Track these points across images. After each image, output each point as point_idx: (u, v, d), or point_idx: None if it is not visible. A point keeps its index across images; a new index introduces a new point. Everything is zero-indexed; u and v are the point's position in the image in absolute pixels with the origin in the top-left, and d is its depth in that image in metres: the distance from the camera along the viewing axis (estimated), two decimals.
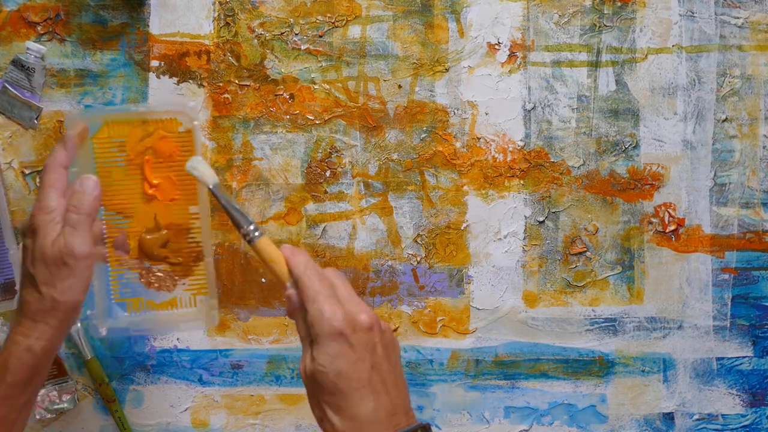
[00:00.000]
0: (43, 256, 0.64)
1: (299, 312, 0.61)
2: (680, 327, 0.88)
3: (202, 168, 0.68)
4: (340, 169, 0.87)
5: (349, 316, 0.59)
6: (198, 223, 0.72)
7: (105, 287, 0.72)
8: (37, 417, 0.83)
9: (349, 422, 0.58)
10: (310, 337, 0.59)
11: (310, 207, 0.87)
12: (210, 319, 0.72)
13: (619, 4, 0.88)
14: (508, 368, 0.87)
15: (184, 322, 0.74)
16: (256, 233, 0.64)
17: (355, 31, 0.87)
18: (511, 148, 0.87)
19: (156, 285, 0.73)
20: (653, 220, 0.88)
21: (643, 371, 0.88)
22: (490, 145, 0.87)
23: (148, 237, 0.72)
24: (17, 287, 0.84)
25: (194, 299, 0.74)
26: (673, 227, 0.88)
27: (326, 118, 0.87)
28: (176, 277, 0.73)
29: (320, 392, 0.59)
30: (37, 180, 0.86)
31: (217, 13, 0.87)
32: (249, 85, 0.87)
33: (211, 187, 0.68)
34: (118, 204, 0.71)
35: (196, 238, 0.72)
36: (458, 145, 0.87)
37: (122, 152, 0.71)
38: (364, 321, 0.59)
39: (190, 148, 0.71)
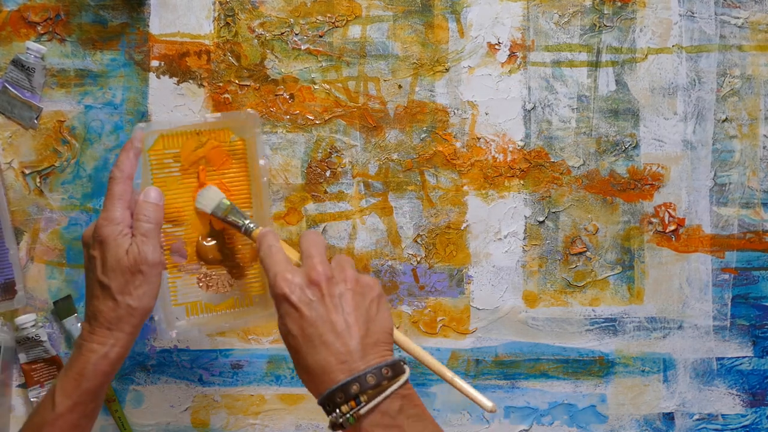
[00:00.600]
0: (119, 265, 0.67)
1: None
2: (680, 327, 0.88)
3: (203, 200, 0.74)
4: (340, 169, 0.87)
5: (293, 278, 0.61)
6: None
7: (165, 293, 0.74)
8: None
9: (304, 375, 0.60)
10: None
11: (310, 207, 0.87)
12: (270, 315, 0.73)
13: (619, 4, 0.88)
14: (508, 368, 0.87)
15: (249, 318, 0.77)
16: (252, 226, 0.71)
17: (355, 31, 0.87)
18: (511, 148, 0.87)
19: (214, 288, 0.76)
20: (653, 220, 0.88)
21: (643, 371, 0.88)
22: (490, 145, 0.87)
23: (204, 243, 0.75)
24: (17, 287, 0.84)
25: (250, 298, 0.77)
26: (673, 227, 0.88)
27: (326, 118, 0.87)
28: (232, 279, 0.76)
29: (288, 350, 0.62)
30: (38, 180, 0.86)
31: (217, 13, 0.87)
32: (249, 85, 0.87)
33: (209, 212, 0.73)
34: (174, 213, 0.74)
35: (249, 240, 0.73)
36: (458, 145, 0.87)
37: (177, 162, 0.74)
38: (307, 278, 0.61)
39: (243, 156, 0.76)
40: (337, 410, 0.57)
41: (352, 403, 0.57)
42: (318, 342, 0.59)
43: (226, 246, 0.76)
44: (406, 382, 0.59)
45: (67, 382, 0.67)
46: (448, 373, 0.63)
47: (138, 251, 0.67)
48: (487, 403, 0.61)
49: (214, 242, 0.75)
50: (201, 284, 0.76)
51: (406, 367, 0.60)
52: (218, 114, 0.79)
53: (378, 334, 0.61)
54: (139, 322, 0.68)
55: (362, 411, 0.57)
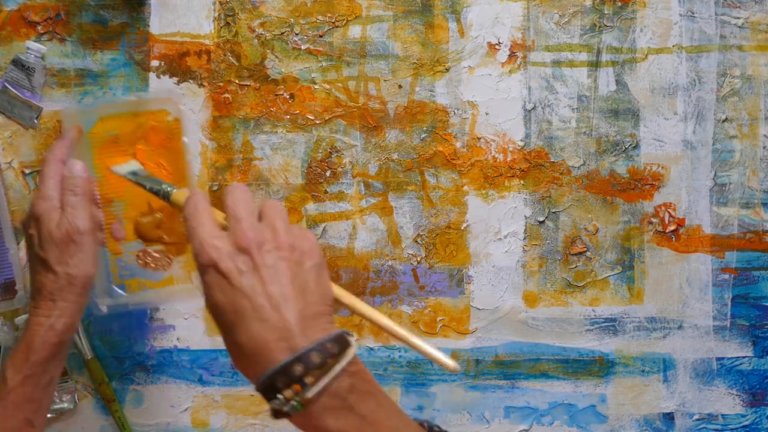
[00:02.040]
0: (51, 238, 0.70)
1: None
2: (680, 327, 0.88)
3: (119, 168, 0.75)
4: (340, 169, 0.87)
5: (222, 244, 0.54)
6: None
7: (105, 270, 0.77)
8: None
9: (237, 355, 0.53)
10: None
11: (311, 207, 0.87)
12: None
13: (619, 4, 0.88)
14: (508, 368, 0.87)
15: (180, 294, 0.79)
16: (169, 189, 0.68)
17: (355, 31, 0.87)
18: (511, 148, 0.87)
19: (153, 265, 0.77)
20: (653, 220, 0.88)
21: (643, 371, 0.88)
22: (491, 145, 0.87)
23: (142, 220, 0.77)
24: (17, 287, 0.84)
25: (189, 275, 0.79)
26: (673, 227, 0.88)
27: (326, 118, 0.87)
28: (171, 256, 0.78)
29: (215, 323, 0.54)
30: (38, 180, 0.86)
31: (217, 13, 0.87)
32: (249, 85, 0.87)
33: (123, 175, 0.74)
34: (112, 192, 0.76)
35: None
36: (458, 145, 0.87)
37: (116, 143, 0.77)
38: (236, 245, 0.54)
39: (178, 135, 0.78)
40: (280, 396, 0.50)
41: (296, 386, 0.50)
42: (252, 316, 0.51)
43: (164, 224, 0.77)
44: (354, 357, 0.52)
45: (16, 357, 0.69)
46: (402, 332, 0.55)
47: (68, 222, 0.70)
48: (449, 362, 0.53)
49: (152, 220, 0.77)
50: (140, 261, 0.77)
51: (351, 339, 0.53)
52: (142, 93, 0.82)
53: (318, 305, 0.53)
54: (82, 290, 0.71)
55: (309, 395, 0.50)
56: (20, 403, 0.68)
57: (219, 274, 0.53)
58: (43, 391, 0.70)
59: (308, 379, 0.50)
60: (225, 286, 0.52)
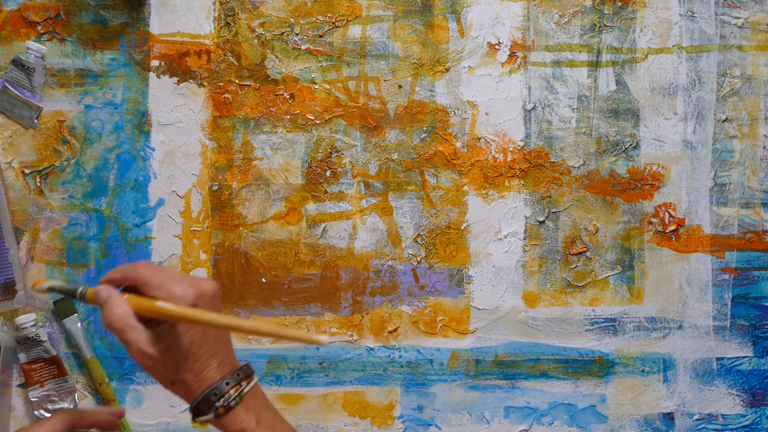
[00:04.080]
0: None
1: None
2: (680, 327, 0.88)
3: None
4: (340, 169, 0.87)
5: (196, 289, 0.63)
6: None
7: None
8: (37, 416, 0.83)
9: (199, 382, 0.64)
10: (144, 310, 0.63)
11: (311, 207, 0.87)
12: None
13: (619, 4, 0.88)
14: (508, 368, 0.87)
15: None
16: (82, 289, 0.66)
17: (355, 31, 0.87)
18: (511, 148, 0.87)
19: None
20: (653, 220, 0.88)
21: (643, 371, 0.88)
22: (491, 145, 0.87)
23: None
24: (17, 287, 0.84)
25: None
26: (673, 227, 0.88)
27: (326, 118, 0.87)
28: None
29: (174, 360, 0.63)
30: (38, 180, 0.86)
31: (217, 13, 0.87)
32: (249, 85, 0.87)
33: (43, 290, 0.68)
34: None
35: None
36: (458, 145, 0.87)
37: None
38: (208, 289, 0.63)
39: None
40: (220, 400, 0.63)
41: (232, 391, 0.63)
42: (219, 347, 0.64)
43: None
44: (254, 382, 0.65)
45: None
46: (266, 328, 0.61)
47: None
48: (321, 338, 0.58)
49: None
50: None
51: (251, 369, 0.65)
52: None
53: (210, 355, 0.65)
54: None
55: (246, 390, 0.63)
56: None
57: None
58: None
59: (232, 392, 0.63)
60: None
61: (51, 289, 0.67)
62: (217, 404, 0.63)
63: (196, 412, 0.63)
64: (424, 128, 0.87)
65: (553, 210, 0.88)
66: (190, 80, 0.86)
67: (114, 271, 0.64)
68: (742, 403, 0.88)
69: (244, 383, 0.63)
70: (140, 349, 0.63)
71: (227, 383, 0.63)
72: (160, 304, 0.62)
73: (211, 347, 0.64)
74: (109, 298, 0.63)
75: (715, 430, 0.88)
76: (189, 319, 0.62)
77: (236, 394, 0.63)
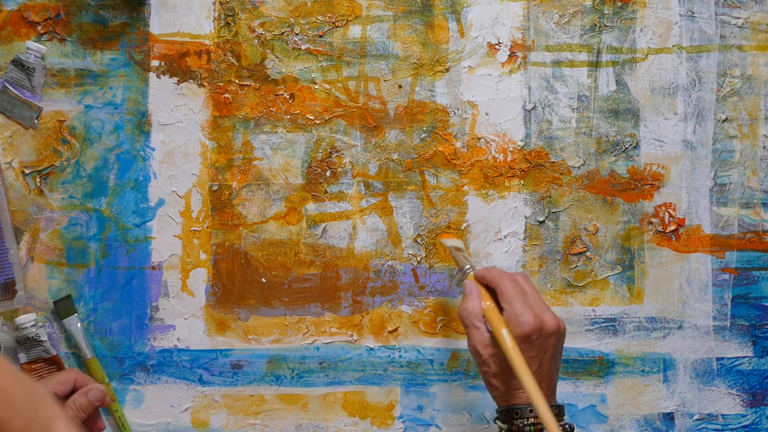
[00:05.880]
0: None
1: (477, 300, 0.75)
2: (680, 327, 0.88)
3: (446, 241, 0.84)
4: (340, 169, 0.87)
5: (538, 322, 0.71)
6: None
7: None
8: None
9: (510, 395, 0.72)
10: (491, 323, 0.73)
11: (311, 207, 0.87)
12: None
13: (619, 4, 0.88)
14: None
15: None
16: (468, 270, 0.79)
17: (355, 31, 0.87)
18: (511, 148, 0.87)
19: None
20: (653, 220, 0.88)
21: (643, 371, 0.88)
22: (491, 145, 0.87)
23: None
24: (17, 287, 0.84)
25: None
26: (673, 227, 0.88)
27: (326, 118, 0.87)
28: None
29: (496, 368, 0.73)
30: (38, 180, 0.86)
31: (217, 13, 0.87)
32: (249, 85, 0.87)
33: (449, 246, 0.83)
34: None
35: None
36: (458, 145, 0.87)
37: None
38: (550, 327, 0.72)
39: None
40: (518, 420, 0.71)
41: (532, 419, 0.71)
42: (540, 378, 0.71)
43: None
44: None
45: None
46: (542, 408, 0.69)
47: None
48: None
49: None
50: None
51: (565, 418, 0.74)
52: None
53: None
54: None
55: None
56: None
57: (529, 344, 0.71)
58: None
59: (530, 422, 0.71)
60: (530, 352, 0.71)
61: (454, 248, 0.81)
62: (515, 421, 0.70)
63: (500, 417, 0.72)
64: (424, 128, 0.87)
65: (553, 210, 0.88)
66: (190, 80, 0.86)
67: (489, 270, 0.76)
68: (742, 403, 0.88)
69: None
70: (474, 346, 0.73)
71: (531, 410, 0.70)
72: (503, 331, 0.71)
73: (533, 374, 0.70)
74: (471, 294, 0.75)
75: (715, 430, 0.88)
76: (506, 354, 0.70)
77: (534, 422, 0.70)
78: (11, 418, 0.48)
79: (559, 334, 0.73)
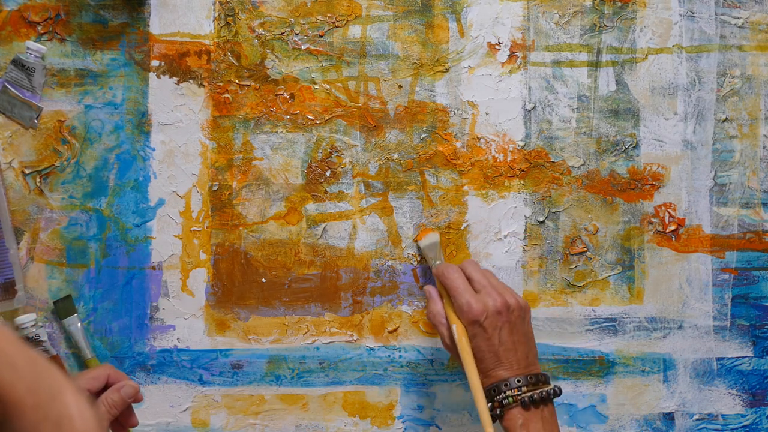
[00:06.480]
0: None
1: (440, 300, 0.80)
2: (680, 327, 0.88)
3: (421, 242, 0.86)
4: (340, 169, 0.87)
5: (480, 306, 0.76)
6: None
7: None
8: None
9: (485, 378, 0.76)
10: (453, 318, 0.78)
11: (311, 207, 0.87)
12: None
13: (619, 4, 0.88)
14: None
15: None
16: (437, 262, 0.84)
17: (355, 31, 0.87)
18: (511, 148, 0.87)
19: None
20: (653, 220, 0.88)
21: (643, 371, 0.88)
22: (491, 145, 0.87)
23: None
24: (17, 287, 0.84)
25: None
26: (673, 227, 0.88)
27: (326, 118, 0.87)
28: None
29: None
30: (38, 180, 0.86)
31: (217, 13, 0.87)
32: (249, 85, 0.87)
33: (422, 246, 0.85)
34: None
35: None
36: (458, 145, 0.87)
37: None
38: (495, 306, 0.76)
39: None
40: (502, 394, 0.75)
41: (513, 391, 0.75)
42: (503, 354, 0.76)
43: None
44: (551, 394, 0.76)
45: None
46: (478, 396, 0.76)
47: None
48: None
49: None
50: None
51: (551, 383, 0.78)
52: None
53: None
54: None
55: (511, 400, 0.75)
56: None
57: (481, 328, 0.76)
58: None
59: (512, 393, 0.75)
60: (484, 335, 0.76)
61: (428, 246, 0.85)
62: (495, 398, 0.75)
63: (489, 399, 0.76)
64: (424, 128, 0.87)
65: (553, 210, 0.88)
66: (190, 80, 0.86)
67: (438, 269, 0.81)
68: (742, 403, 0.88)
69: (524, 389, 0.74)
70: (446, 343, 0.79)
71: (506, 384, 0.74)
72: (454, 328, 0.77)
73: (495, 354, 0.75)
74: (431, 297, 0.80)
75: (715, 430, 0.88)
76: (456, 352, 0.77)
77: (510, 394, 0.74)
78: (16, 381, 0.45)
79: (510, 310, 0.76)
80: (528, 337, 0.78)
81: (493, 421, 0.75)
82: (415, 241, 0.87)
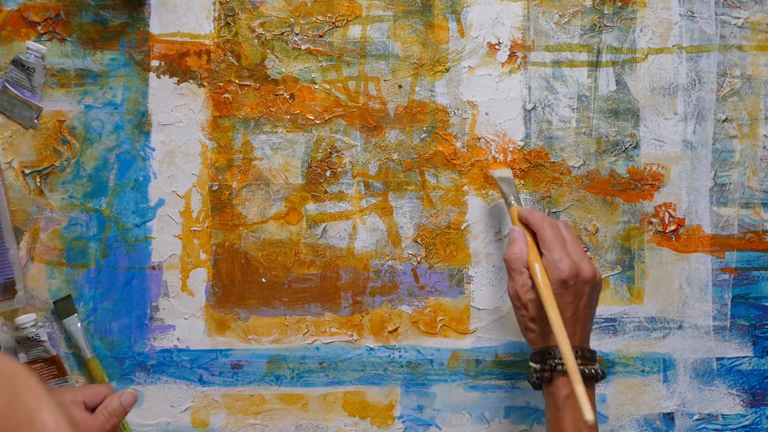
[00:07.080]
0: None
1: (520, 246, 0.77)
2: (680, 327, 0.88)
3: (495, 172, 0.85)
4: (340, 169, 0.87)
5: (574, 268, 0.74)
6: None
7: None
8: None
9: (544, 339, 0.75)
10: (530, 267, 0.76)
11: (311, 207, 0.87)
12: None
13: (619, 4, 0.88)
14: (508, 368, 0.87)
15: None
16: (513, 202, 0.82)
17: (355, 31, 0.87)
18: (511, 148, 0.87)
19: None
20: (653, 220, 0.88)
21: (643, 371, 0.88)
22: (491, 145, 0.87)
23: None
24: (17, 287, 0.84)
25: None
26: (673, 227, 0.88)
27: (326, 118, 0.87)
28: None
29: (532, 313, 0.75)
30: (38, 180, 0.86)
31: (217, 13, 0.87)
32: (249, 85, 0.87)
33: (496, 177, 0.85)
34: None
35: None
36: (458, 145, 0.87)
37: None
38: (586, 274, 0.74)
39: None
40: (550, 361, 0.74)
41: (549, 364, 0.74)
42: (573, 323, 0.74)
43: None
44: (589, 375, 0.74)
45: None
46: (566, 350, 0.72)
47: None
48: (587, 415, 0.67)
49: None
50: None
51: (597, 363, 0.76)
52: None
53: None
54: None
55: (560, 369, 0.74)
56: None
57: (566, 289, 0.74)
58: None
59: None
60: (566, 297, 0.74)
61: (501, 179, 0.83)
62: (548, 361, 0.73)
63: (533, 359, 0.75)
64: (424, 128, 0.87)
65: (553, 210, 0.88)
66: (190, 80, 0.86)
67: (532, 214, 0.78)
68: (742, 403, 0.88)
69: (579, 361, 0.72)
70: (516, 290, 0.76)
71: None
72: (536, 267, 0.74)
73: (567, 319, 0.73)
74: (518, 240, 0.77)
75: (715, 430, 0.88)
76: (541, 298, 0.73)
77: (562, 362, 0.72)
78: None
79: (595, 282, 0.75)
80: (593, 314, 0.77)
81: (539, 383, 0.75)
82: (489, 171, 0.86)
